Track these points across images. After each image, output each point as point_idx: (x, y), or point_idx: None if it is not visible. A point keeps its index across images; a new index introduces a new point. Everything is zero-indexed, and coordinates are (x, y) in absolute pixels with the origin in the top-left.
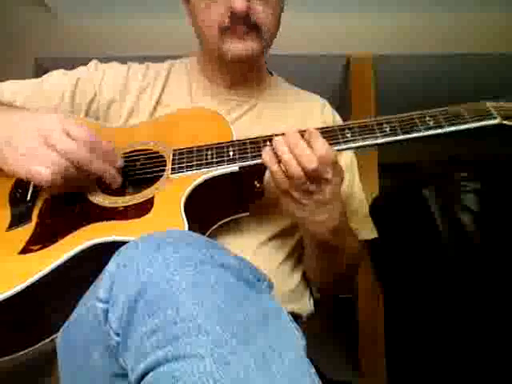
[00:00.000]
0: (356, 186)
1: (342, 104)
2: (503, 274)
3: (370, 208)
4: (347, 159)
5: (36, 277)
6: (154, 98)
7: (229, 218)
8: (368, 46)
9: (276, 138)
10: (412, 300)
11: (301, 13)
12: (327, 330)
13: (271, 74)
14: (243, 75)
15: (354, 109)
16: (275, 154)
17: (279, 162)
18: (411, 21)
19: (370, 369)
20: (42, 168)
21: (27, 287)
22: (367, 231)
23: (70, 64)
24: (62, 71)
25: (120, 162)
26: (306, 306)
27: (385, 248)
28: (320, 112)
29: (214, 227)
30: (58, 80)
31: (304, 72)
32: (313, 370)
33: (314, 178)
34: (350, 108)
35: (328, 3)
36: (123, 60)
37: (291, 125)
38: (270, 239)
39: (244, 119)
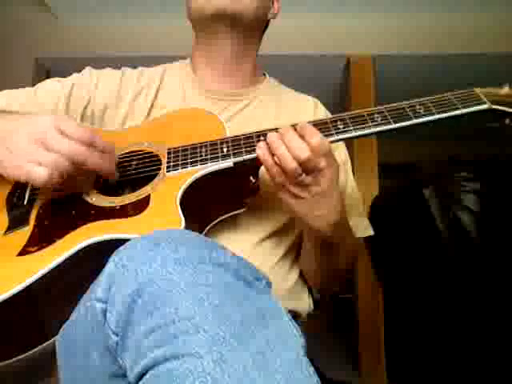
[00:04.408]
0: (350, 185)
1: (341, 104)
2: (503, 274)
3: (370, 208)
4: (341, 157)
5: (35, 277)
6: (148, 101)
7: (226, 215)
8: (368, 46)
9: (269, 133)
10: (412, 300)
11: (301, 13)
12: (327, 329)
13: (264, 74)
14: (235, 64)
15: (354, 109)
16: (269, 148)
17: (273, 155)
18: (411, 21)
19: (370, 369)
20: (40, 169)
21: (27, 287)
22: (362, 229)
23: (70, 64)
24: (55, 79)
25: (116, 156)
26: (304, 304)
27: (385, 248)
28: (313, 110)
29: (211, 225)
30: (52, 87)
31: (304, 72)
32: (312, 369)
33: (308, 169)
34: (350, 108)
35: (328, 3)
36: (123, 60)
37: (284, 123)
38: (267, 237)
39: (237, 118)
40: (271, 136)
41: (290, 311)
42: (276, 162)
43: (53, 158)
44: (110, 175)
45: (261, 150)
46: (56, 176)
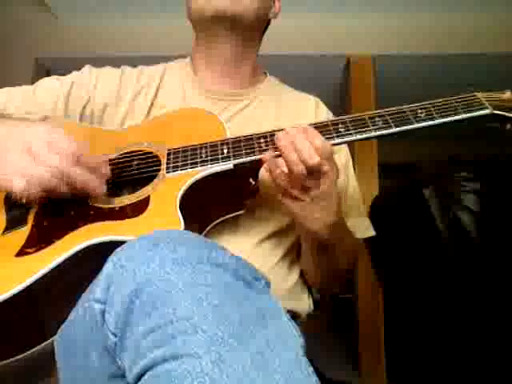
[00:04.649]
0: (352, 185)
1: (341, 104)
2: (503, 274)
3: (370, 208)
4: (342, 159)
5: (35, 277)
6: (148, 100)
7: (225, 217)
8: (368, 46)
9: (277, 134)
10: (412, 300)
11: (301, 13)
12: (327, 329)
13: (265, 74)
14: (233, 66)
15: (354, 109)
16: (275, 150)
17: (278, 156)
18: (411, 21)
19: (370, 369)
20: (20, 180)
21: (27, 287)
22: (363, 229)
23: (70, 64)
24: (54, 77)
25: (107, 173)
26: (304, 304)
27: (385, 248)
28: (314, 110)
29: (210, 226)
30: (51, 86)
31: (304, 72)
32: (311, 369)
33: (313, 172)
34: (350, 108)
35: (328, 3)
36: (123, 60)
37: (285, 124)
38: (267, 238)
39: (237, 118)
40: (278, 137)
41: (289, 311)
42: (282, 165)
43: (38, 171)
44: (94, 193)
45: (267, 152)
46: (35, 190)
